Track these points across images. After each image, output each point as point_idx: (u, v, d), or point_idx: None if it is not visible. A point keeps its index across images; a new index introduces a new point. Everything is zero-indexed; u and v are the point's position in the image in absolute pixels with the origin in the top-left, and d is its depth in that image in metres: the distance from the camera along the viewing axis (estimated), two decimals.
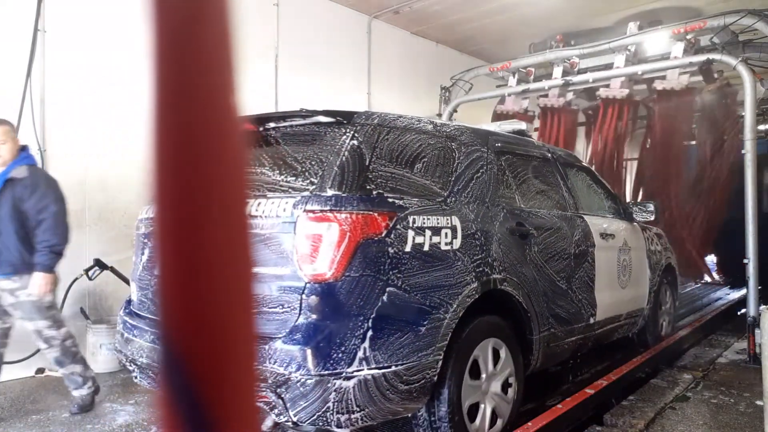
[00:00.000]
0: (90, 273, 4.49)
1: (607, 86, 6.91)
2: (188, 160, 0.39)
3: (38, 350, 4.27)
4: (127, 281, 4.70)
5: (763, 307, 2.85)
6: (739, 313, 6.47)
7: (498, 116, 7.90)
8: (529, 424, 2.95)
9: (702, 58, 5.94)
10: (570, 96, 7.56)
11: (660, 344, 4.81)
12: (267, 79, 6.15)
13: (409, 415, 2.67)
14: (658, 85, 6.50)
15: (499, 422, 2.92)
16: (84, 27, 4.66)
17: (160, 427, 0.40)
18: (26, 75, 4.33)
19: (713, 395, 3.73)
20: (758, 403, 3.46)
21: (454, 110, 7.99)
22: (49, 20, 4.47)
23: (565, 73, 7.19)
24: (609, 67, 6.95)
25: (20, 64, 4.31)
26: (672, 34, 6.33)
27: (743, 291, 5.48)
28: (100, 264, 4.54)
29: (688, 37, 6.27)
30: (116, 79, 4.78)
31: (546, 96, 7.46)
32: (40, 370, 4.31)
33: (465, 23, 7.74)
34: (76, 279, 4.45)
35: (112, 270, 4.61)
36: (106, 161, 4.75)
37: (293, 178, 2.52)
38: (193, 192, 0.39)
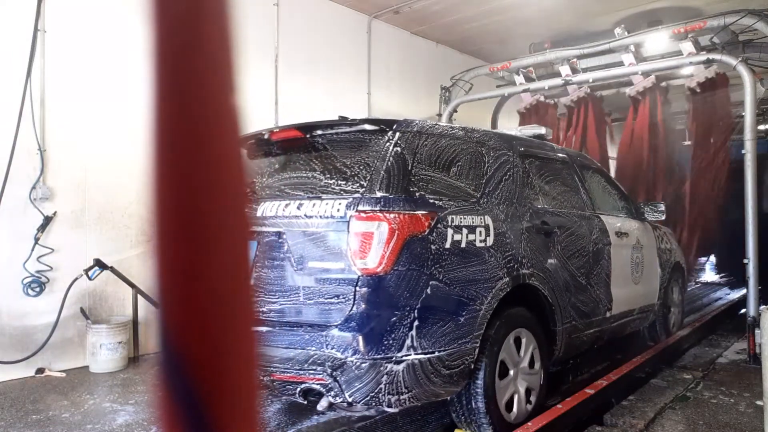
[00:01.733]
0: (90, 273, 4.49)
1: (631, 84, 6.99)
2: (188, 160, 0.39)
3: (38, 350, 4.28)
4: (127, 281, 4.71)
5: (763, 307, 2.85)
6: (740, 312, 6.47)
7: (524, 114, 8.00)
8: (529, 424, 2.96)
9: (702, 58, 5.94)
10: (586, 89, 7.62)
11: (659, 344, 4.83)
12: (267, 79, 6.15)
13: (448, 398, 2.88)
14: (691, 82, 6.55)
15: (529, 407, 3.19)
16: (84, 27, 4.66)
17: (160, 427, 0.40)
18: (26, 75, 4.33)
19: (713, 395, 3.73)
20: (758, 403, 3.46)
21: (454, 110, 7.99)
22: (49, 20, 4.47)
23: (571, 72, 7.19)
24: (608, 67, 6.95)
25: (20, 64, 4.31)
26: (672, 33, 6.33)
27: (743, 291, 5.48)
28: (100, 264, 4.54)
29: (689, 36, 6.26)
30: (116, 79, 4.78)
31: (566, 94, 7.55)
32: (40, 370, 4.31)
33: (465, 23, 7.73)
34: (76, 279, 4.45)
35: (112, 270, 4.61)
36: (106, 161, 4.75)
37: (344, 182, 2.72)
38: (193, 192, 0.39)
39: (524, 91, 7.55)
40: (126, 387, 4.06)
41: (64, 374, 4.34)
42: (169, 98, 0.38)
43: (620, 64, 6.76)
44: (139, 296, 4.73)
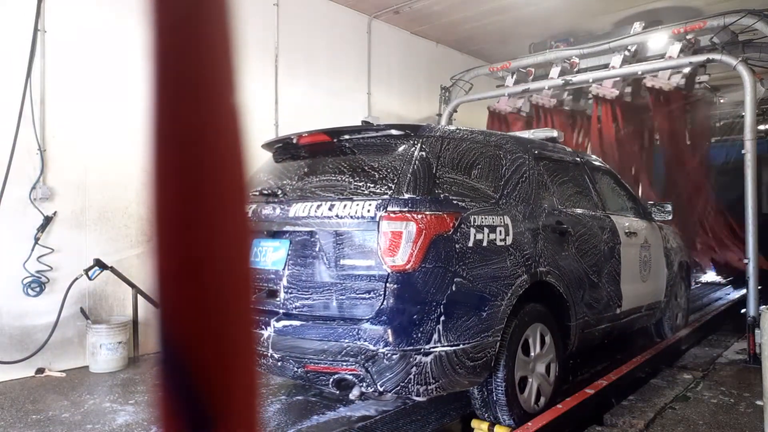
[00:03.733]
0: (90, 273, 4.49)
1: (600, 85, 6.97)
2: (188, 160, 0.39)
3: (38, 350, 4.28)
4: (127, 281, 4.71)
5: (763, 307, 2.85)
6: (740, 312, 6.46)
7: (492, 115, 7.96)
8: (529, 424, 2.96)
9: (702, 58, 5.94)
10: (565, 95, 7.60)
11: (659, 344, 4.84)
12: (267, 79, 6.15)
13: (470, 388, 3.02)
14: (648, 82, 6.55)
15: (543, 398, 3.30)
16: (84, 27, 4.66)
17: (160, 427, 0.40)
18: (26, 75, 4.33)
19: (713, 395, 3.73)
20: (758, 403, 3.46)
21: (454, 110, 7.99)
22: (49, 20, 4.47)
23: (563, 73, 7.19)
24: (608, 67, 6.95)
25: (20, 64, 4.31)
26: (672, 34, 6.33)
27: (743, 291, 5.49)
28: (100, 264, 4.54)
29: (688, 37, 6.26)
30: (116, 79, 4.78)
31: (539, 95, 7.51)
32: (40, 370, 4.31)
33: (465, 23, 7.74)
34: (76, 279, 4.45)
35: (112, 270, 4.61)
36: (106, 161, 4.74)
37: (372, 184, 2.85)
38: (194, 192, 0.39)
39: (524, 91, 7.55)
40: (126, 387, 4.06)
41: (64, 374, 4.34)
42: (169, 98, 0.38)
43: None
44: (139, 296, 4.73)
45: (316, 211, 2.89)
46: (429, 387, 2.65)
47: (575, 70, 7.19)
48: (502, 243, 3.02)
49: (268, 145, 3.62)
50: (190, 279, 0.39)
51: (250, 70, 5.52)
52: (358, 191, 2.87)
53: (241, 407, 0.41)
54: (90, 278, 4.50)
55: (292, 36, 6.37)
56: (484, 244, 2.90)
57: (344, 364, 2.66)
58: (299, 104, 6.38)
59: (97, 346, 4.41)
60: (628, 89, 7.08)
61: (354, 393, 2.76)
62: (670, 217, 4.99)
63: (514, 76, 7.66)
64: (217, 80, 0.39)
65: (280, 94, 6.25)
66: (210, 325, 0.39)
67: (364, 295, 2.71)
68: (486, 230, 2.93)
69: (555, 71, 7.19)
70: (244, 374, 0.42)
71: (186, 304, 0.39)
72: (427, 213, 2.71)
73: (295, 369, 2.84)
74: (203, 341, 0.39)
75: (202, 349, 0.39)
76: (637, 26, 6.84)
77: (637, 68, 6.47)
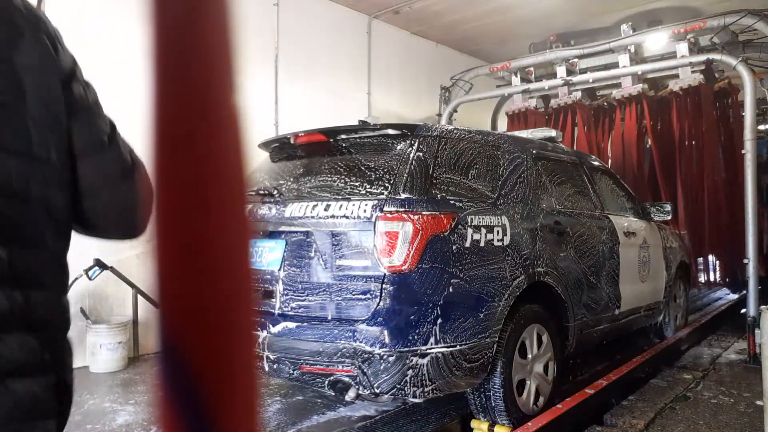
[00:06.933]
0: (90, 273, 4.49)
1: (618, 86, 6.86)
2: (188, 160, 0.39)
3: None
4: (127, 281, 4.70)
5: (763, 307, 2.85)
6: (742, 311, 6.47)
7: (511, 117, 7.83)
8: (529, 424, 2.96)
9: (702, 58, 5.94)
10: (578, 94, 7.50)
11: (660, 344, 4.84)
12: (267, 79, 6.15)
13: (468, 389, 3.02)
14: (675, 86, 6.42)
15: (542, 399, 3.31)
16: (84, 27, 4.66)
17: (160, 427, 0.40)
18: None
19: (713, 395, 3.74)
20: (758, 403, 3.46)
21: (454, 110, 7.99)
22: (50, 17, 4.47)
23: (569, 74, 7.15)
24: (608, 67, 6.93)
25: None
26: (672, 34, 6.32)
27: (743, 291, 5.49)
28: (100, 264, 4.53)
29: (689, 36, 6.26)
30: (116, 78, 4.77)
31: (556, 96, 7.42)
32: None
33: (465, 23, 7.74)
34: (76, 279, 4.45)
35: (112, 270, 4.60)
36: None
37: (369, 184, 2.85)
38: (193, 191, 0.39)
39: (524, 91, 7.55)
40: (126, 387, 4.06)
41: None
42: (168, 98, 0.38)
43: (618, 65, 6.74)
44: (139, 296, 4.73)
45: (312, 211, 2.88)
46: (425, 389, 2.64)
47: (577, 69, 7.17)
48: (500, 243, 3.00)
49: (264, 145, 3.60)
50: (190, 279, 0.39)
51: (250, 69, 5.51)
52: (355, 191, 2.85)
53: (242, 408, 0.41)
54: (90, 278, 4.50)
55: (292, 36, 6.37)
56: (482, 244, 2.89)
57: (340, 365, 2.64)
58: (299, 104, 6.38)
59: (97, 346, 4.41)
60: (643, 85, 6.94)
61: (350, 395, 2.74)
62: (669, 217, 4.96)
63: (518, 75, 7.61)
64: (217, 79, 0.39)
65: (280, 94, 6.25)
66: (210, 325, 0.39)
67: (360, 296, 2.69)
68: (483, 230, 2.91)
69: (561, 71, 7.13)
70: (245, 374, 0.42)
71: (186, 304, 0.39)
72: (424, 213, 2.69)
73: (291, 371, 2.83)
74: (203, 341, 0.39)
75: (202, 348, 0.39)
76: (626, 27, 6.79)
77: (642, 68, 6.46)
